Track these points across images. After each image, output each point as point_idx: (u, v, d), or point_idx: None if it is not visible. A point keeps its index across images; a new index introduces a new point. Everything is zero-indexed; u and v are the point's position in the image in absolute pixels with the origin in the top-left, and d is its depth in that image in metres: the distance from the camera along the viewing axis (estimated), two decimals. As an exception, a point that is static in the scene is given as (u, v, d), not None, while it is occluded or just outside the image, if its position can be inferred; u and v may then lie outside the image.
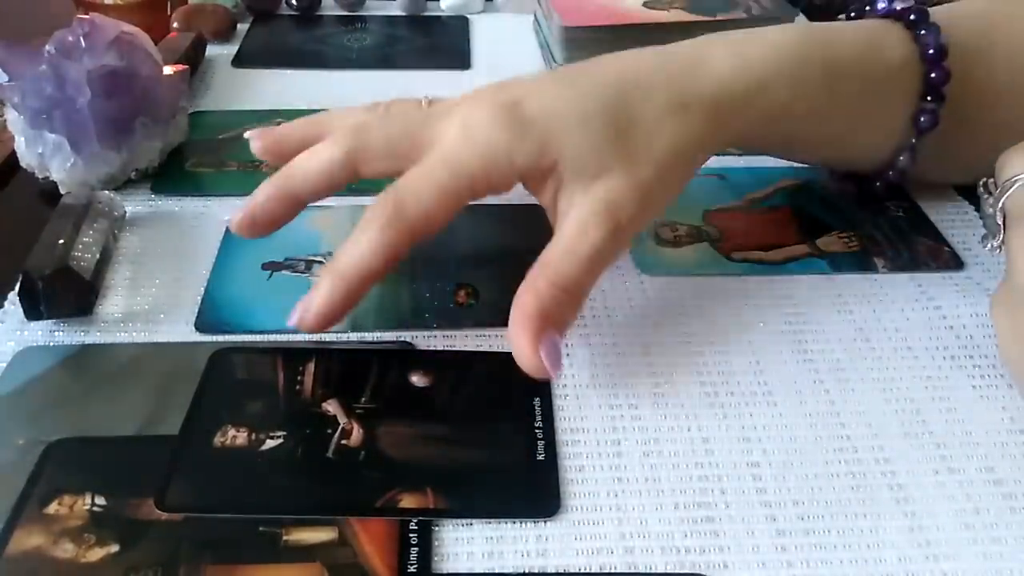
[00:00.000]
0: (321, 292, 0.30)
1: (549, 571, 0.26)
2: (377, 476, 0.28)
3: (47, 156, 0.41)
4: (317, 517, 0.27)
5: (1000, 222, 0.32)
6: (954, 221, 0.41)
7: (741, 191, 0.43)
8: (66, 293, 0.34)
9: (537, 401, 0.31)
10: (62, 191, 0.41)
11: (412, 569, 0.25)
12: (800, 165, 0.44)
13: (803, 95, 0.35)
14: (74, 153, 0.41)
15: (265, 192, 0.33)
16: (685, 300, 0.36)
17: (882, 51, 0.37)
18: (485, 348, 0.34)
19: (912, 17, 0.37)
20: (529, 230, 0.36)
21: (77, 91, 0.40)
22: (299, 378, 0.32)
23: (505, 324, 0.33)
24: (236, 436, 0.29)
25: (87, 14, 0.42)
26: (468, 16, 0.64)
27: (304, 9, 0.64)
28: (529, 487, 0.28)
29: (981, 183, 0.34)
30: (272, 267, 0.37)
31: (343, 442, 0.29)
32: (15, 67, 0.40)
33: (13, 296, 0.35)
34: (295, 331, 0.34)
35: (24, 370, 0.32)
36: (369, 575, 0.25)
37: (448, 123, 0.32)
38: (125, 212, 0.41)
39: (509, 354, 0.32)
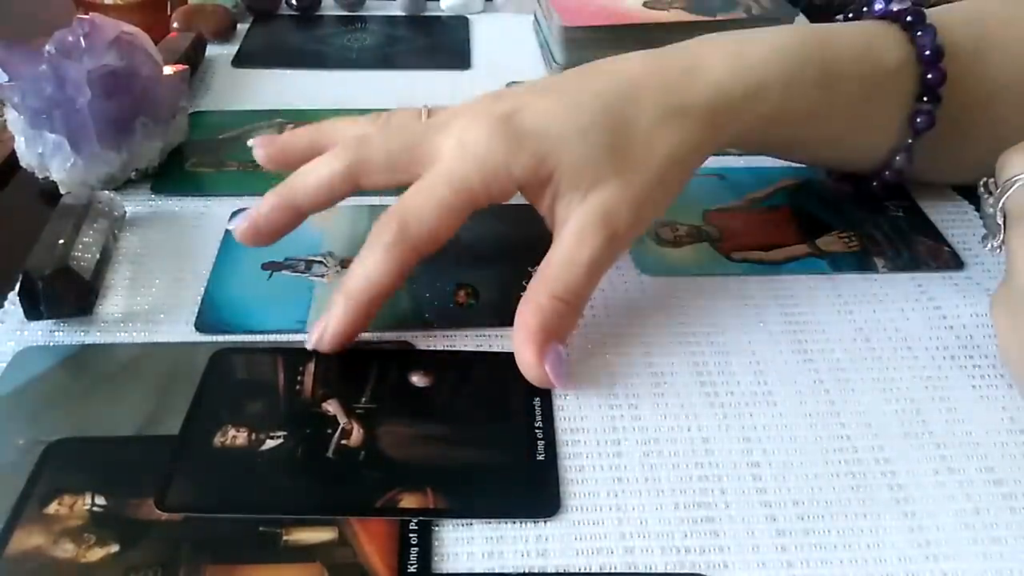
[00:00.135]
0: (335, 314, 0.32)
1: (549, 571, 0.26)
2: (377, 476, 0.28)
3: (47, 156, 0.41)
4: (317, 517, 0.27)
5: (1000, 222, 0.32)
6: (954, 221, 0.41)
7: (741, 191, 0.43)
8: (66, 293, 0.34)
9: (537, 401, 0.31)
10: (62, 191, 0.41)
11: (412, 569, 0.25)
12: (800, 165, 0.44)
13: (800, 97, 0.35)
14: (74, 153, 0.41)
15: (269, 203, 0.34)
16: (685, 300, 0.36)
17: (879, 52, 0.37)
18: (485, 348, 0.34)
19: (909, 18, 0.37)
20: (529, 230, 0.36)
21: (77, 91, 0.40)
22: (299, 378, 0.32)
23: (505, 324, 0.34)
24: (236, 436, 0.29)
25: (87, 14, 0.42)
26: (468, 16, 0.64)
27: (304, 9, 0.64)
28: (529, 487, 0.28)
29: (981, 183, 0.34)
30: (272, 267, 0.37)
31: (343, 442, 0.29)
32: (15, 67, 0.40)
33: (13, 296, 0.35)
34: (295, 331, 0.34)
35: (24, 370, 0.32)
36: (369, 575, 0.25)
37: (446, 137, 0.33)
38: (125, 212, 0.41)
39: (509, 354, 0.32)
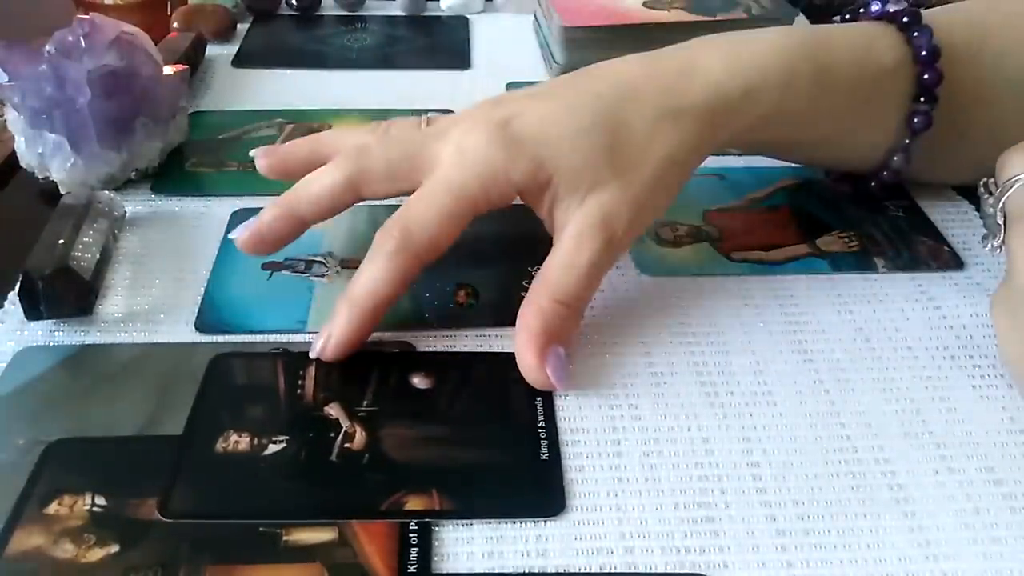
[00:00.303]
0: (339, 322, 0.32)
1: (549, 571, 0.26)
2: (382, 479, 0.28)
3: (47, 156, 0.41)
4: (323, 521, 0.27)
5: (1000, 222, 0.32)
6: (954, 221, 0.41)
7: (741, 191, 0.43)
8: (66, 293, 0.34)
9: (539, 401, 0.31)
10: (62, 191, 0.41)
11: (412, 569, 0.25)
12: (799, 165, 0.44)
13: (797, 97, 0.35)
14: (74, 153, 0.41)
15: (271, 213, 0.34)
16: (685, 300, 0.36)
17: (875, 53, 0.37)
18: (485, 348, 0.34)
19: (905, 19, 0.37)
20: (529, 230, 0.36)
21: (77, 91, 0.40)
22: (300, 382, 0.32)
23: (505, 324, 0.34)
24: (238, 441, 0.29)
25: (87, 14, 0.42)
26: (468, 16, 0.64)
27: (304, 9, 0.64)
28: (534, 486, 0.28)
29: (981, 183, 0.34)
30: (272, 267, 0.37)
31: (346, 445, 0.29)
32: (15, 67, 0.40)
33: (13, 296, 0.35)
34: (295, 331, 0.34)
35: (24, 370, 0.32)
36: (369, 575, 0.25)
37: (445, 144, 0.33)
38: (125, 212, 0.41)
39: (510, 354, 0.32)
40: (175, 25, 0.57)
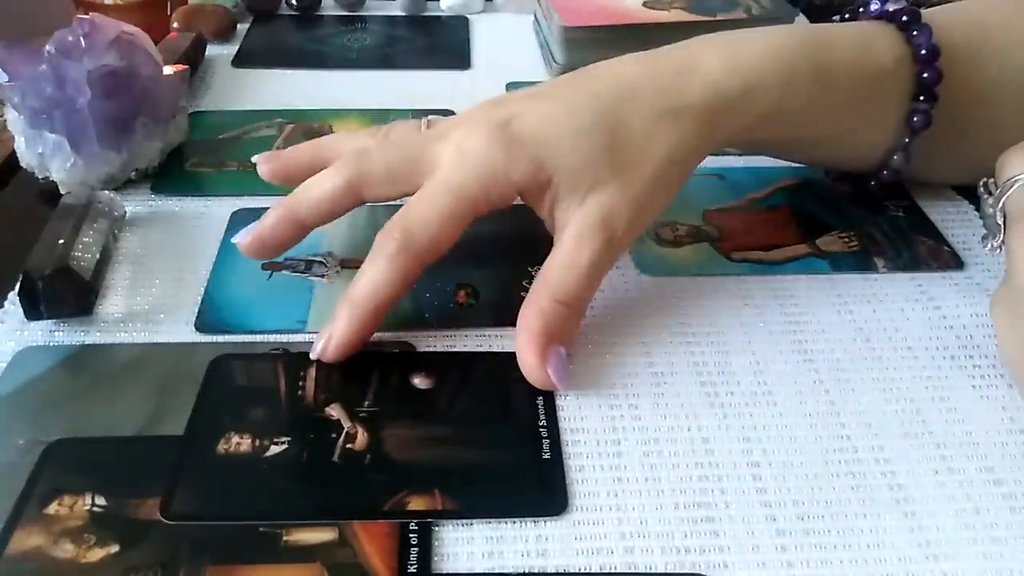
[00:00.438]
0: (340, 323, 0.32)
1: (549, 571, 0.26)
2: (384, 479, 0.28)
3: (47, 156, 0.41)
4: (325, 522, 0.27)
5: (1000, 222, 0.32)
6: (954, 221, 0.41)
7: (741, 191, 0.43)
8: (66, 293, 0.34)
9: (540, 400, 0.31)
10: (62, 191, 0.41)
11: (412, 569, 0.25)
12: (800, 165, 0.44)
13: (796, 96, 0.35)
14: (74, 153, 0.41)
15: (273, 217, 0.34)
16: (685, 300, 0.36)
17: (875, 52, 0.37)
18: (485, 348, 0.34)
19: (904, 18, 0.38)
20: (529, 230, 0.36)
21: (77, 91, 0.40)
22: (301, 383, 0.32)
23: (505, 324, 0.34)
24: (240, 443, 0.29)
25: (87, 14, 0.42)
26: (468, 16, 0.64)
27: (304, 9, 0.64)
28: (537, 486, 0.28)
29: (981, 183, 0.34)
30: (272, 267, 0.37)
31: (348, 446, 0.29)
32: (15, 67, 0.40)
33: (13, 296, 0.35)
34: (295, 331, 0.34)
35: (24, 370, 0.32)
36: (369, 575, 0.25)
37: (445, 146, 0.33)
38: (125, 212, 0.41)
39: (510, 354, 0.32)
40: (175, 25, 0.57)
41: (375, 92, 0.53)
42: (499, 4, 0.66)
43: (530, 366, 0.31)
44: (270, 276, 0.37)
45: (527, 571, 0.26)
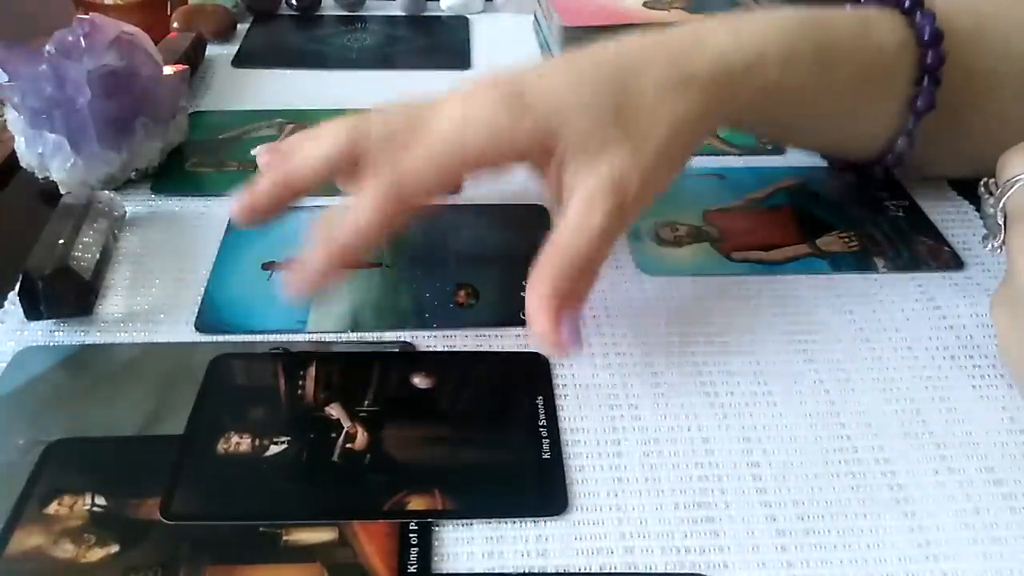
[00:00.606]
0: (318, 254, 0.31)
1: (549, 571, 0.26)
2: (384, 479, 0.28)
3: (47, 156, 0.41)
4: (325, 522, 0.27)
5: (1001, 222, 0.32)
6: (954, 221, 0.41)
7: (741, 191, 0.43)
8: (66, 293, 0.34)
9: (540, 400, 0.31)
10: (62, 191, 0.41)
11: (412, 569, 0.25)
12: (800, 164, 0.44)
13: (798, 73, 0.35)
14: (74, 153, 0.41)
15: (265, 180, 0.33)
16: (685, 300, 0.36)
17: (878, 35, 0.37)
18: (485, 348, 0.34)
19: (907, 4, 0.38)
20: (529, 230, 0.36)
21: (77, 91, 0.40)
22: (300, 383, 0.32)
23: (505, 324, 0.34)
24: (240, 443, 0.29)
25: (87, 14, 0.42)
26: (468, 16, 0.64)
27: (304, 9, 0.64)
28: (537, 485, 0.28)
29: (982, 183, 0.34)
30: (272, 267, 0.37)
31: (348, 446, 0.29)
32: (15, 67, 0.40)
33: (13, 296, 0.35)
34: (295, 331, 0.34)
35: (24, 370, 0.32)
36: (369, 575, 0.25)
37: (448, 105, 0.32)
38: (125, 212, 0.41)
39: (510, 354, 0.32)
40: (175, 25, 0.57)
41: (375, 92, 0.52)
42: (499, 4, 0.66)
43: (542, 330, 0.30)
44: (270, 276, 0.37)
45: (527, 571, 0.26)
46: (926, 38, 0.37)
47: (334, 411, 0.30)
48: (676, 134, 0.33)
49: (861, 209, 0.42)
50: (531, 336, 0.30)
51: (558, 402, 0.31)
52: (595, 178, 0.31)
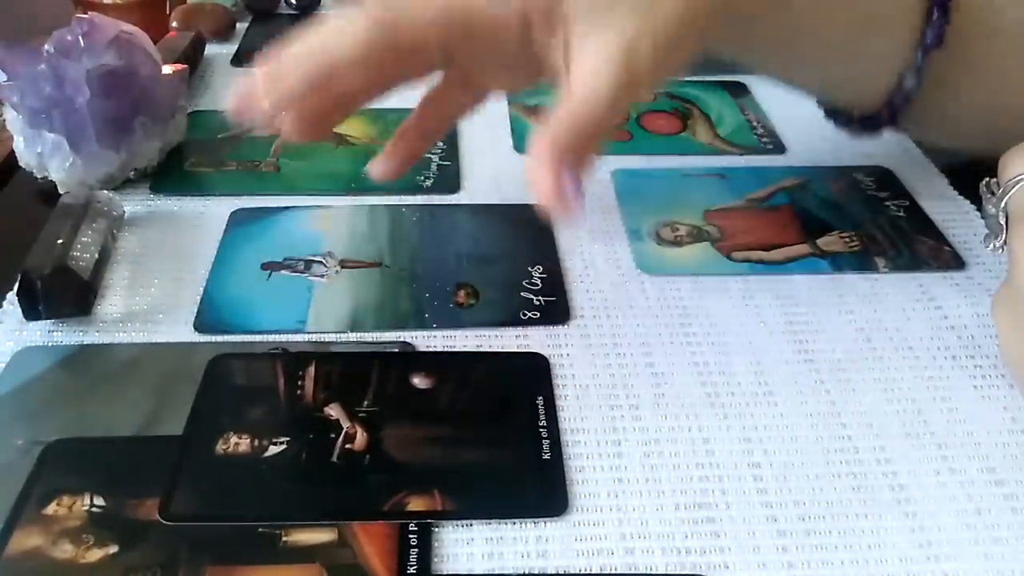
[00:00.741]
0: (285, 64, 0.30)
1: (549, 572, 0.25)
2: (383, 480, 0.28)
3: (46, 156, 0.41)
4: (325, 523, 0.26)
5: (1002, 222, 0.32)
6: (955, 221, 0.41)
7: (742, 191, 0.43)
8: (65, 293, 0.33)
9: (540, 401, 0.31)
10: (61, 191, 0.41)
11: (412, 570, 0.25)
12: (800, 164, 0.44)
13: None
14: (73, 153, 0.41)
15: (290, 50, 0.31)
16: (685, 300, 0.36)
17: None
18: (485, 348, 0.33)
19: None
20: (529, 230, 0.36)
21: (76, 91, 0.40)
22: (299, 383, 0.31)
23: (505, 324, 0.34)
24: (239, 443, 0.29)
25: (86, 14, 0.42)
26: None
27: (304, 8, 0.64)
28: (537, 486, 0.28)
29: (983, 183, 0.34)
30: (271, 267, 0.37)
31: (347, 446, 0.29)
32: (14, 67, 0.40)
33: (12, 296, 0.35)
34: (295, 331, 0.34)
35: (23, 370, 0.32)
36: (369, 576, 0.25)
37: None
38: (124, 212, 0.40)
39: (510, 354, 0.32)
40: (174, 24, 0.57)
41: (375, 92, 0.53)
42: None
43: (544, 186, 0.29)
44: (269, 276, 0.37)
45: (527, 572, 0.25)
46: None
47: (333, 411, 0.30)
48: (684, 13, 0.31)
49: (862, 209, 0.42)
50: (533, 189, 0.29)
51: (558, 402, 0.31)
52: (604, 46, 0.30)
